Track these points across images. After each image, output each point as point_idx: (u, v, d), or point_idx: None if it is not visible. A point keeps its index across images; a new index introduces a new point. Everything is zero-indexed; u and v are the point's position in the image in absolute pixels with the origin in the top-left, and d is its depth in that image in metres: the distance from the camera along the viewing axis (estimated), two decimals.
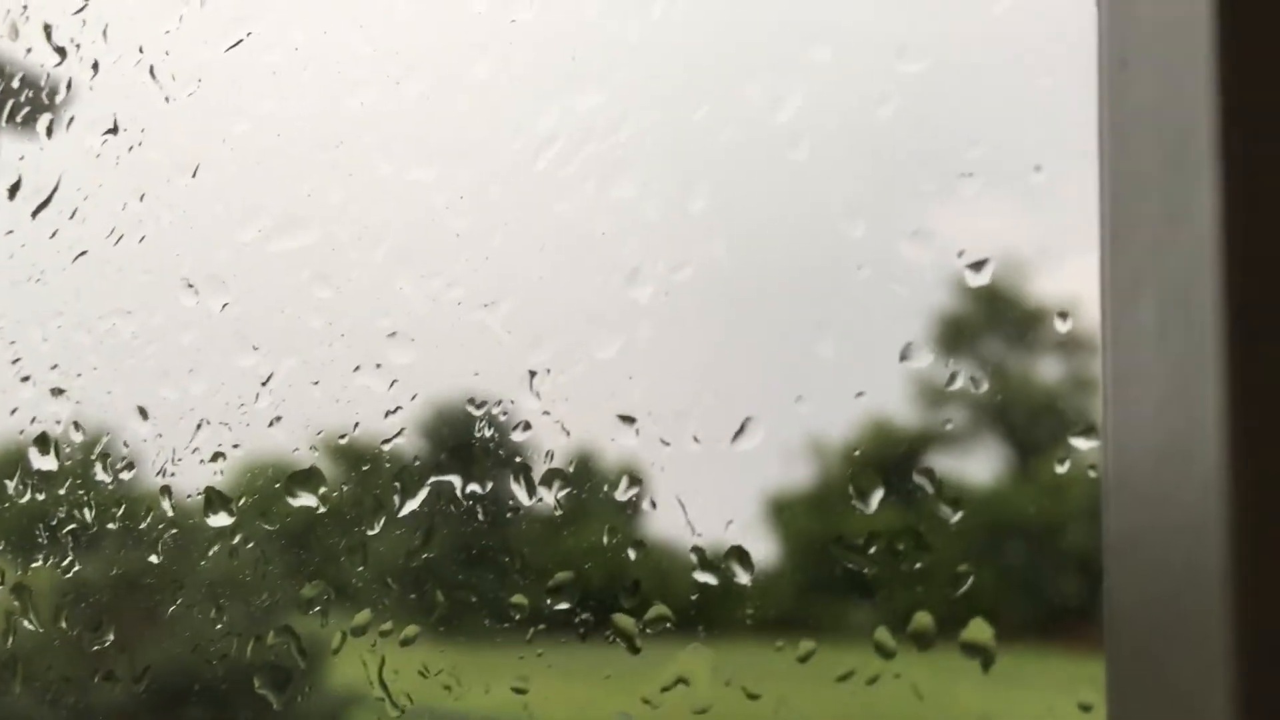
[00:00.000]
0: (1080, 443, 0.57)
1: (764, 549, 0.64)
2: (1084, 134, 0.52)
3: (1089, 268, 0.52)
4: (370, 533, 0.72)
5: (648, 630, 0.65)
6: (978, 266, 0.60)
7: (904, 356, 0.61)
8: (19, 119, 0.84)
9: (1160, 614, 0.43)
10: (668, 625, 0.65)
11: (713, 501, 0.65)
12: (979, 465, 0.62)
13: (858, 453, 0.62)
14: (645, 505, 0.66)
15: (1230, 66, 0.40)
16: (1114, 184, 0.48)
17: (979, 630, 0.59)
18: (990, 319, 0.62)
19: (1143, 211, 0.45)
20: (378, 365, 0.72)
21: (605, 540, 0.67)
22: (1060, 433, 0.59)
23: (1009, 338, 0.62)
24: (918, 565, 0.60)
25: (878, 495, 0.61)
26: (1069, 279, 0.59)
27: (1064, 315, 0.59)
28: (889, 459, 0.62)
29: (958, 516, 0.60)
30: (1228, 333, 0.38)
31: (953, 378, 0.60)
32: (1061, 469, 0.58)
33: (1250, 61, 0.40)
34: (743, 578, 0.64)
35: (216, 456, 0.76)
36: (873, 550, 0.61)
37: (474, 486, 0.70)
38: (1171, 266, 0.42)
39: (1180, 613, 0.41)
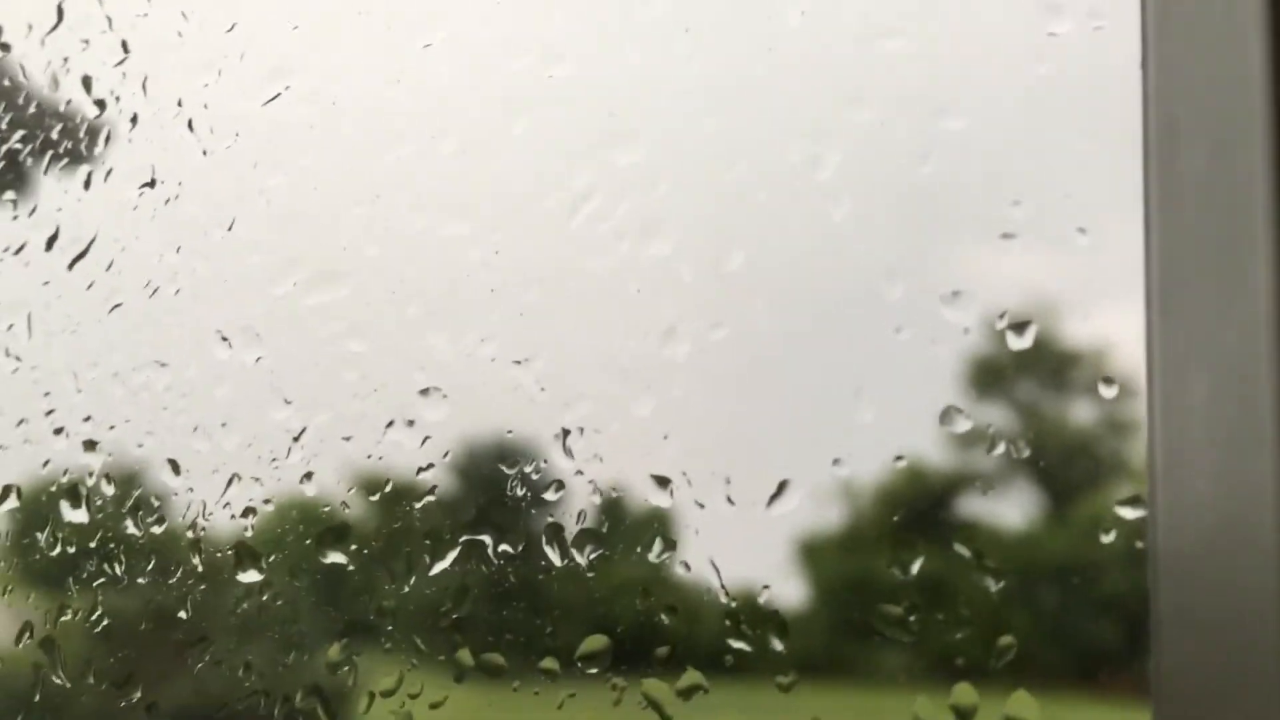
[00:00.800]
0: (1126, 512, 0.56)
1: (799, 614, 0.63)
2: (1129, 196, 0.51)
3: (1134, 332, 0.51)
4: (401, 591, 0.71)
5: (681, 697, 0.64)
6: (1020, 329, 0.59)
7: (944, 421, 0.60)
8: (58, 170, 0.84)
9: (1213, 690, 0.41)
10: (702, 693, 0.64)
11: (747, 564, 0.64)
12: (1016, 519, 0.61)
13: (896, 519, 0.61)
14: (678, 568, 0.65)
15: None
16: (1163, 253, 0.47)
17: (1022, 704, 0.57)
18: (1032, 380, 0.61)
19: (1194, 283, 0.44)
20: (410, 422, 0.71)
21: (638, 604, 0.65)
22: (1105, 500, 0.57)
23: (1051, 400, 0.60)
24: (959, 636, 0.58)
25: (918, 564, 0.60)
26: (1113, 342, 0.58)
27: (1109, 381, 0.58)
28: (924, 510, 0.61)
29: (999, 586, 0.58)
30: None
31: (994, 443, 0.59)
32: (1107, 539, 0.56)
33: None
34: (778, 645, 0.62)
35: (248, 512, 0.76)
36: (912, 619, 0.59)
37: (506, 546, 0.69)
38: (1225, 340, 0.41)
39: (1233, 697, 0.40)
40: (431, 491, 0.71)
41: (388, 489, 0.72)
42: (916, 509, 0.61)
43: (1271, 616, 0.37)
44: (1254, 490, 0.38)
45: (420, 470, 0.71)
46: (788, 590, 0.64)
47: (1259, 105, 0.41)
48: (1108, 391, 0.58)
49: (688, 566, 0.65)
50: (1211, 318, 0.43)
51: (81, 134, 0.82)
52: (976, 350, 0.60)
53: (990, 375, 0.61)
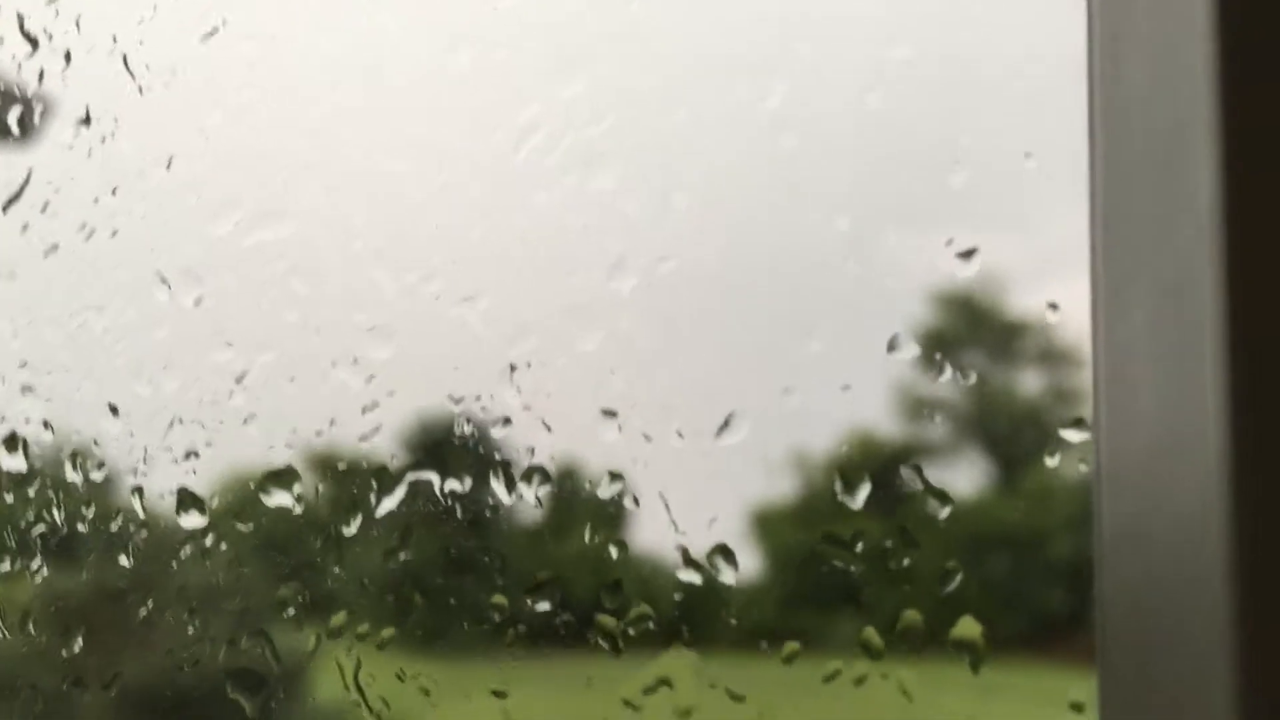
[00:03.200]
0: (1071, 435, 0.56)
1: (748, 548, 0.63)
2: (1077, 120, 0.51)
3: (1080, 258, 0.51)
4: (347, 533, 0.70)
5: (630, 631, 0.64)
6: (967, 255, 0.59)
7: (892, 348, 0.60)
8: None
9: (1154, 615, 0.41)
10: (650, 626, 0.63)
11: (697, 498, 0.64)
12: (964, 474, 0.61)
13: (845, 448, 0.61)
14: (628, 503, 0.65)
15: (1229, 47, 0.39)
16: (1106, 174, 0.47)
17: (968, 628, 0.57)
18: (979, 311, 0.61)
19: (1136, 203, 0.44)
20: (355, 361, 0.70)
21: (587, 539, 0.65)
22: (1050, 427, 0.57)
23: (998, 330, 0.61)
24: (905, 563, 0.59)
25: (865, 491, 0.60)
26: (1060, 270, 0.58)
27: (1054, 306, 0.58)
28: (876, 458, 0.61)
29: (946, 512, 0.58)
30: (1225, 328, 0.37)
31: (940, 370, 0.59)
32: (1052, 461, 0.57)
33: (1251, 42, 0.39)
34: (727, 576, 0.62)
35: (189, 455, 0.75)
36: (859, 548, 0.60)
37: (453, 484, 0.68)
38: (1166, 260, 0.41)
39: (1176, 614, 0.40)
40: (377, 430, 0.70)
41: (332, 429, 0.71)
42: (864, 450, 0.61)
43: (1212, 531, 0.37)
44: (1194, 406, 0.38)
45: (365, 410, 0.70)
46: (735, 531, 0.64)
47: (1202, 17, 0.41)
48: (1053, 316, 0.58)
49: (636, 500, 0.65)
50: (1153, 235, 0.43)
51: (13, 75, 0.80)
52: (924, 279, 0.60)
53: (937, 305, 0.61)
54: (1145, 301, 0.42)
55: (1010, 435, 0.61)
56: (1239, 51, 0.39)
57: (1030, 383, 0.60)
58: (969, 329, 0.60)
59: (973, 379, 0.59)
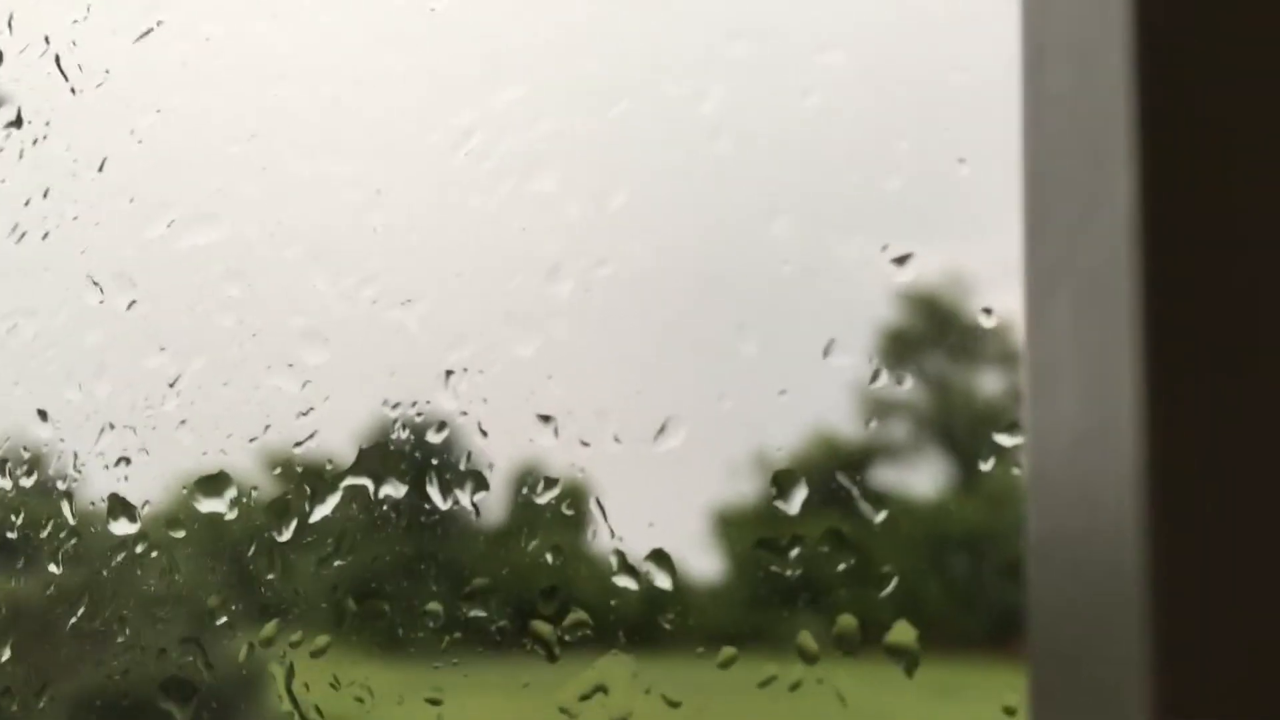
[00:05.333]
0: (1005, 439, 0.57)
1: (685, 553, 0.63)
2: (1008, 125, 0.51)
3: (1013, 258, 0.51)
4: (280, 539, 0.70)
5: (566, 637, 0.63)
6: (902, 261, 0.59)
7: (827, 353, 0.60)
8: None
9: (1080, 613, 0.42)
10: (587, 632, 0.63)
11: (634, 503, 0.64)
12: (906, 476, 0.61)
13: (781, 452, 0.61)
14: (564, 508, 0.64)
15: (1147, 51, 0.39)
16: (1033, 174, 0.47)
17: (903, 633, 0.57)
18: (917, 316, 0.61)
19: (1060, 201, 0.44)
20: (290, 365, 0.70)
21: (523, 544, 0.65)
22: (985, 432, 0.58)
23: (933, 334, 0.61)
24: (840, 568, 0.59)
25: (800, 496, 0.60)
26: (995, 274, 0.58)
27: (988, 311, 0.58)
28: (812, 463, 0.61)
29: (882, 516, 0.58)
30: (1142, 323, 0.37)
31: (876, 375, 0.59)
32: (986, 466, 0.57)
33: (1168, 46, 0.39)
34: (664, 582, 0.62)
35: (121, 461, 0.73)
36: (795, 553, 0.59)
37: (388, 490, 0.68)
38: (1087, 257, 0.41)
39: (1099, 612, 0.40)
40: (312, 436, 0.69)
41: (267, 434, 0.70)
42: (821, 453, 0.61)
43: (1129, 527, 0.37)
44: (1113, 406, 0.39)
45: (300, 415, 0.70)
46: (679, 536, 0.63)
47: (1120, 24, 0.41)
48: (988, 321, 0.58)
49: (573, 506, 0.64)
50: (1075, 237, 0.43)
51: None
52: (861, 284, 0.60)
53: (876, 309, 0.61)
54: (1068, 303, 0.43)
55: (951, 440, 0.61)
56: (1155, 57, 0.39)
57: (973, 386, 0.61)
58: (909, 334, 0.61)
59: (909, 384, 0.59)
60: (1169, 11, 0.38)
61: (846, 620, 0.58)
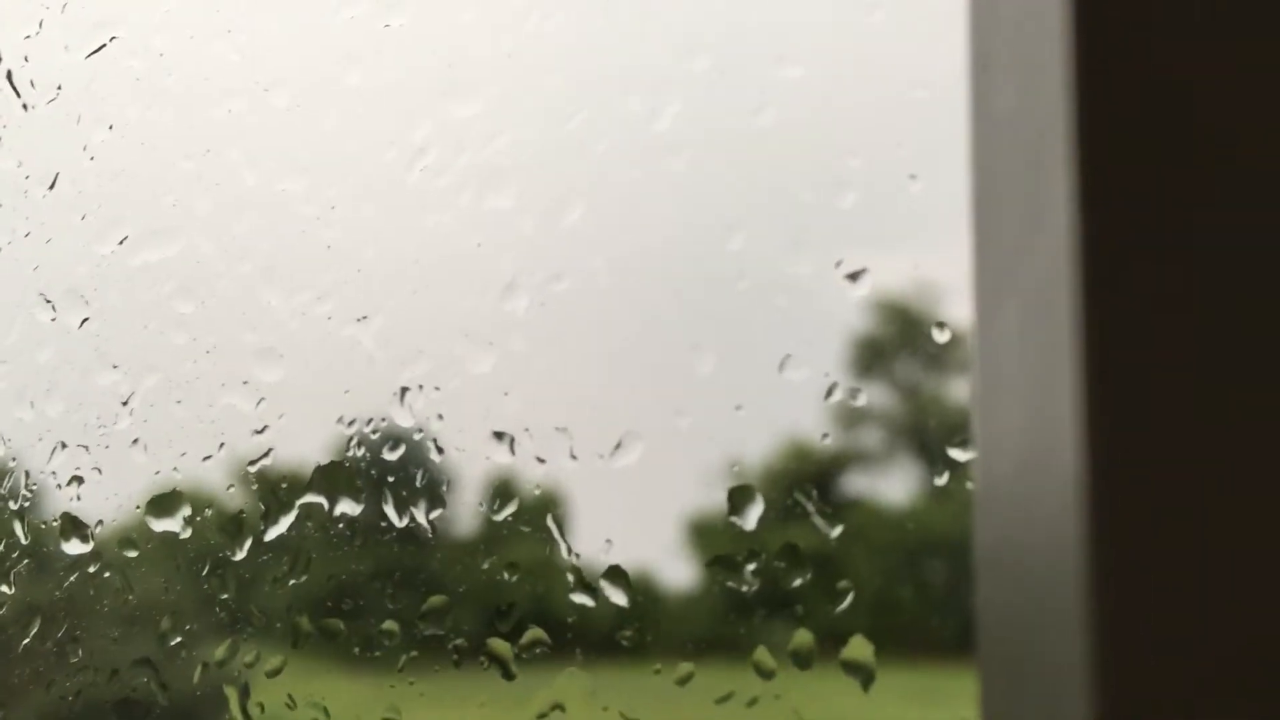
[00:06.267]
0: (958, 454, 0.57)
1: (642, 569, 0.63)
2: (960, 140, 0.51)
3: (964, 274, 0.51)
4: (235, 558, 0.69)
5: (523, 655, 0.63)
6: (855, 277, 0.59)
7: (782, 368, 0.60)
8: None
9: (1025, 620, 0.42)
10: (544, 649, 0.63)
11: (591, 520, 0.64)
12: (870, 484, 0.61)
13: (737, 468, 0.61)
14: (521, 525, 0.64)
15: (1085, 65, 0.40)
16: (979, 188, 0.48)
17: (860, 649, 0.57)
18: (872, 332, 0.61)
19: (1005, 215, 0.44)
20: (244, 383, 0.69)
21: (480, 562, 0.64)
22: (940, 446, 0.58)
23: (890, 348, 0.61)
24: (796, 583, 0.59)
25: (756, 512, 0.60)
26: (946, 289, 0.59)
27: (941, 325, 0.58)
28: (768, 478, 0.61)
29: (838, 530, 0.58)
30: (1084, 338, 0.37)
31: (832, 389, 0.59)
32: (940, 481, 0.57)
33: (1106, 60, 0.40)
34: (620, 599, 0.62)
35: (74, 480, 0.73)
36: (751, 569, 0.59)
37: (344, 508, 0.67)
38: (1031, 270, 0.41)
39: (1042, 618, 0.40)
40: (267, 454, 0.69)
41: (221, 453, 0.70)
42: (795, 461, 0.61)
43: (1071, 540, 0.37)
44: (1056, 418, 0.39)
45: (255, 433, 0.69)
46: (633, 547, 0.63)
47: (1060, 39, 0.41)
48: (941, 336, 0.58)
49: (530, 523, 0.64)
50: (1020, 247, 0.43)
51: None
52: (814, 299, 0.60)
53: (830, 325, 0.61)
54: (1014, 318, 0.43)
55: (917, 448, 0.61)
56: (1094, 71, 0.39)
57: (939, 395, 0.61)
58: (869, 345, 0.61)
59: (863, 399, 0.59)
60: (1109, 27, 0.38)
61: (802, 636, 0.58)
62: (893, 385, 0.61)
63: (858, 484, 0.61)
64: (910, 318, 0.60)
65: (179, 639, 0.70)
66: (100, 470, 0.73)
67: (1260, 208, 0.36)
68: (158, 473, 0.71)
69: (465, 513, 0.65)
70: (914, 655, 0.59)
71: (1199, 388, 0.35)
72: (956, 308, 0.58)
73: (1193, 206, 0.36)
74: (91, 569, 0.72)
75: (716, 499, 0.61)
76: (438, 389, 0.66)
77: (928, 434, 0.61)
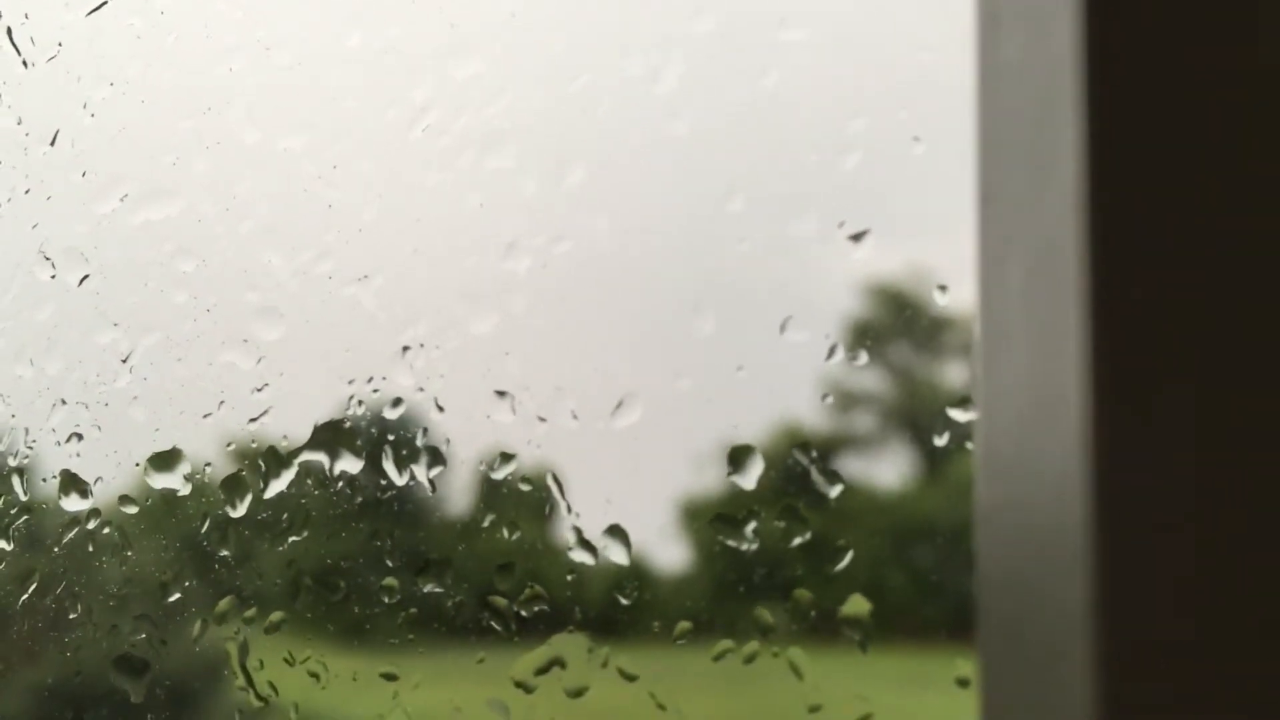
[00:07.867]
0: (957, 414, 0.57)
1: (642, 529, 0.63)
2: (963, 103, 0.51)
3: (969, 239, 0.52)
4: (235, 515, 0.69)
5: (523, 613, 0.63)
6: (858, 238, 0.59)
7: (783, 329, 0.60)
8: None
9: (1025, 578, 0.42)
10: (543, 607, 0.63)
11: (591, 479, 0.64)
12: (866, 458, 0.61)
13: (738, 428, 0.61)
14: (521, 484, 0.64)
15: (1096, 18, 0.40)
16: (986, 143, 0.48)
17: (857, 605, 0.58)
18: (876, 295, 0.61)
19: (1012, 169, 0.44)
20: (244, 341, 0.69)
21: (480, 520, 0.65)
22: (938, 406, 0.58)
23: (894, 313, 0.61)
24: (796, 542, 0.59)
25: (756, 470, 0.60)
26: (950, 251, 0.59)
27: (943, 288, 0.59)
28: (770, 439, 0.61)
29: (837, 490, 0.59)
30: (1090, 291, 0.38)
31: (833, 350, 0.60)
32: (940, 441, 0.57)
33: (1117, 13, 0.40)
34: (620, 557, 0.62)
35: (73, 437, 0.73)
36: (751, 528, 0.60)
37: (344, 466, 0.68)
38: (1037, 224, 0.42)
39: (1043, 575, 0.40)
40: (266, 412, 0.69)
41: (220, 410, 0.70)
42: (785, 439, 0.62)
43: (1074, 496, 0.38)
44: (1061, 372, 0.39)
45: (255, 391, 0.69)
46: (632, 509, 0.64)
47: None
48: (943, 298, 0.59)
49: (529, 482, 0.64)
50: (1025, 206, 0.43)
51: None
52: (818, 261, 0.61)
53: (832, 286, 0.61)
54: (1019, 271, 0.43)
55: (908, 417, 0.62)
56: (1104, 27, 0.40)
57: (932, 365, 0.61)
58: (868, 312, 0.61)
59: (864, 359, 0.60)
60: None
61: (801, 594, 0.58)
62: (886, 366, 0.61)
63: (861, 457, 0.61)
64: (911, 282, 0.60)
65: (178, 595, 0.70)
66: (99, 428, 0.73)
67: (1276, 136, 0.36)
68: (157, 430, 0.71)
69: (465, 471, 0.66)
70: (911, 634, 0.60)
71: (1208, 341, 0.36)
72: (958, 272, 0.58)
73: (1200, 157, 0.36)
74: (90, 525, 0.72)
75: (717, 458, 0.61)
76: (439, 348, 0.66)
77: (931, 401, 0.61)
